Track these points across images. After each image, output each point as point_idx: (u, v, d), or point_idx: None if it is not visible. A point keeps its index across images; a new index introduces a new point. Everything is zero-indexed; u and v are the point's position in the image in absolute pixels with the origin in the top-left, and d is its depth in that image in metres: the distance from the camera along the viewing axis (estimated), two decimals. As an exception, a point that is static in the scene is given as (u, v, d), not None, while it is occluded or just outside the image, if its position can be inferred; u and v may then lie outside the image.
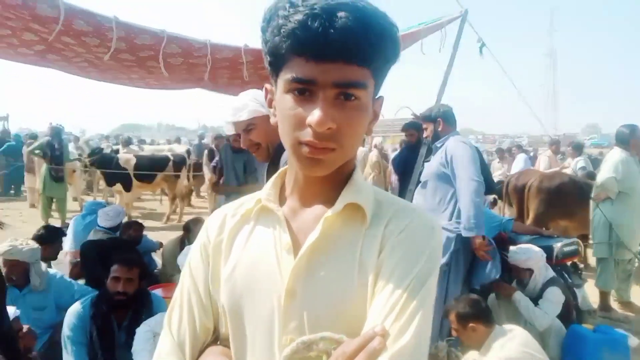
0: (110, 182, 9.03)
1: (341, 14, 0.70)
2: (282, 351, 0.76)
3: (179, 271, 4.30)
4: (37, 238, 3.80)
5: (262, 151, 2.23)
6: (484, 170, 3.80)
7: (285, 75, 0.76)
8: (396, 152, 7.77)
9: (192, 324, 0.89)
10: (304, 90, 0.75)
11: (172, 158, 9.35)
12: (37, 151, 8.76)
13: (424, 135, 3.93)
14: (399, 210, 0.84)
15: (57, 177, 8.45)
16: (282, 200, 0.90)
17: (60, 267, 4.56)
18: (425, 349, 0.74)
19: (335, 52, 0.71)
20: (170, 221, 9.16)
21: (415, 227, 0.81)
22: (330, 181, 0.85)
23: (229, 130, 2.28)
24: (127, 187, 8.93)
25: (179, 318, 0.90)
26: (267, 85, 0.88)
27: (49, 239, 3.97)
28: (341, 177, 0.86)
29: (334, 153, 0.77)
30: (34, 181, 9.68)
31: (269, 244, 0.85)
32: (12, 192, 12.16)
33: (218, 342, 0.91)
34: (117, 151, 11.18)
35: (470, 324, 2.81)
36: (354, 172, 0.88)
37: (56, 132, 8.96)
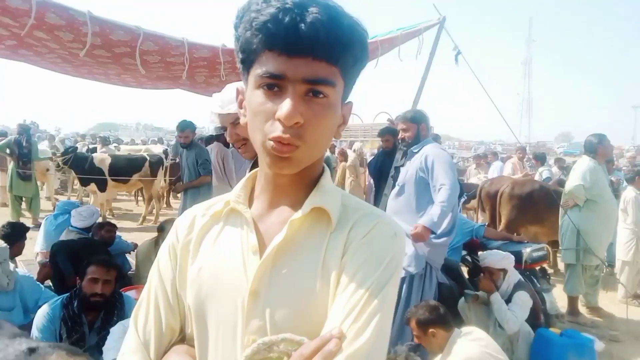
0: (84, 182, 8.91)
1: (313, 9, 0.72)
2: (243, 352, 0.78)
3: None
4: (2, 236, 3.74)
5: (249, 147, 2.20)
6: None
7: (256, 71, 0.77)
8: (372, 157, 7.87)
9: (158, 323, 0.90)
10: (273, 85, 0.76)
11: (148, 158, 9.26)
12: (6, 149, 8.59)
13: (406, 136, 3.88)
14: (364, 215, 0.86)
15: (24, 175, 8.32)
16: (251, 202, 0.92)
17: (31, 267, 4.48)
18: (382, 352, 0.76)
19: (305, 47, 0.73)
20: (147, 222, 9.06)
21: (378, 233, 0.83)
22: (298, 184, 0.87)
23: (213, 122, 2.24)
24: (102, 187, 8.83)
25: (145, 317, 0.91)
26: (239, 87, 0.90)
27: (14, 236, 3.89)
28: (309, 180, 0.88)
29: (299, 150, 0.77)
30: (4, 179, 9.46)
31: (236, 245, 0.87)
32: None
33: (184, 342, 0.92)
34: (94, 150, 11.01)
35: (430, 330, 2.87)
36: (322, 176, 0.90)
37: (24, 130, 8.83)
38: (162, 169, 9.43)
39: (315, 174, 0.89)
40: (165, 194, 10.57)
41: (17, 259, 4.29)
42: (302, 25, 0.71)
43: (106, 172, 8.75)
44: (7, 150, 8.58)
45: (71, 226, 4.73)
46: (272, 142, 0.77)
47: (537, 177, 8.66)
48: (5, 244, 3.33)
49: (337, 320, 0.75)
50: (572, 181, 4.98)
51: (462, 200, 6.75)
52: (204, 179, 5.53)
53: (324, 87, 0.76)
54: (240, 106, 0.89)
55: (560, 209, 5.18)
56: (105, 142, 12.19)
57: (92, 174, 8.64)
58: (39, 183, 9.54)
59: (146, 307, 0.92)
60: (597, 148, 4.97)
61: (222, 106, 2.09)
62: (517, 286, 3.74)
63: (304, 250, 0.83)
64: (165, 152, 10.54)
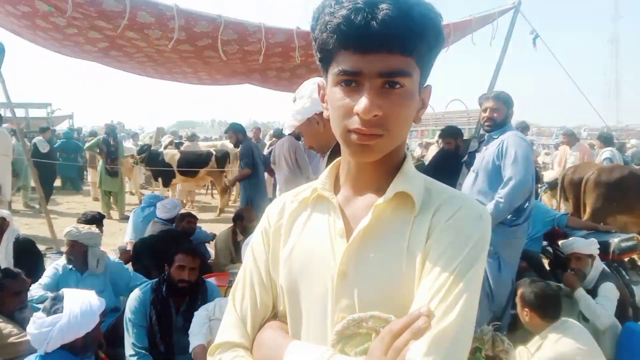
0: (155, 176, 9.55)
1: (383, 5, 0.74)
2: (334, 327, 0.84)
3: (232, 261, 4.45)
4: (85, 221, 4.11)
5: (319, 153, 2.34)
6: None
7: (333, 70, 0.82)
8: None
9: (253, 300, 0.98)
10: (350, 82, 0.80)
11: (214, 153, 9.60)
12: (95, 148, 9.30)
13: (494, 115, 3.64)
14: (448, 198, 0.87)
15: (112, 172, 8.91)
16: (336, 189, 0.96)
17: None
18: (469, 331, 0.78)
19: (378, 44, 0.76)
20: (224, 213, 9.45)
21: (463, 215, 0.84)
22: (381, 170, 0.90)
23: (290, 128, 2.33)
24: (167, 182, 9.45)
25: (242, 295, 1.00)
26: (320, 82, 0.94)
27: (91, 224, 4.20)
28: (392, 166, 0.91)
29: (381, 139, 0.81)
30: (95, 176, 10.22)
31: (324, 229, 0.92)
32: (69, 186, 12.54)
33: (277, 318, 0.99)
34: (180, 145, 11.60)
35: (526, 309, 2.83)
36: (405, 162, 0.92)
37: (110, 130, 9.50)
38: (229, 163, 9.75)
39: (397, 160, 0.92)
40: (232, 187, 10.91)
41: (108, 248, 4.64)
42: (374, 23, 0.74)
43: (175, 168, 9.25)
44: (97, 149, 9.29)
45: (157, 217, 5.05)
46: (353, 133, 0.81)
47: (597, 160, 8.09)
48: (98, 230, 3.63)
49: (424, 299, 0.77)
50: (667, 166, 4.61)
51: (543, 187, 6.45)
52: (243, 171, 6.22)
53: (400, 77, 0.79)
54: (323, 100, 0.93)
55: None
56: (191, 139, 12.85)
57: (163, 170, 9.23)
58: (125, 178, 10.21)
59: (242, 287, 1.00)
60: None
61: (295, 117, 2.20)
62: (603, 276, 3.54)
63: (389, 234, 0.86)
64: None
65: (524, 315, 2.86)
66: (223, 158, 9.61)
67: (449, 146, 5.69)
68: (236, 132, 6.49)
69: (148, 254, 4.20)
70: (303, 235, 0.94)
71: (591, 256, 3.58)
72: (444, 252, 0.80)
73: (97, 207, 9.22)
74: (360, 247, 0.86)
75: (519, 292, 2.91)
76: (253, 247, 1.02)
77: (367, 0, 0.75)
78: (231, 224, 4.98)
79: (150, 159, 9.29)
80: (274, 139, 9.50)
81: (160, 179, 9.51)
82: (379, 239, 0.86)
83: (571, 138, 9.49)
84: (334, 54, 0.81)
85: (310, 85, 2.15)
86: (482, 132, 4.22)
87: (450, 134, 5.78)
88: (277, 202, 1.04)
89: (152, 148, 9.90)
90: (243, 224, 4.71)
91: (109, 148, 9.00)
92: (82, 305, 2.12)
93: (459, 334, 0.75)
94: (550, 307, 2.82)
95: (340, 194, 0.95)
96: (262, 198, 6.24)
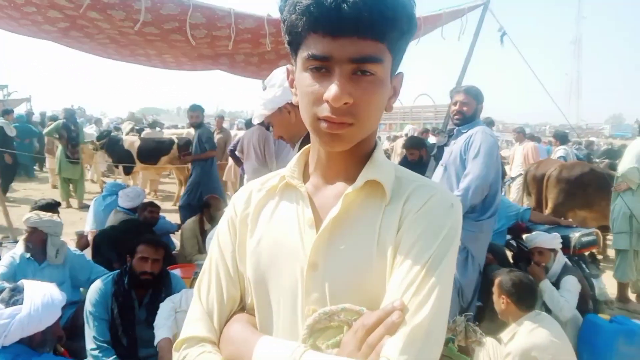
0: (116, 163, 9.23)
1: None
2: (305, 321, 0.81)
3: (199, 251, 4.35)
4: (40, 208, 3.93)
5: (289, 143, 2.31)
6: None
7: (303, 54, 0.78)
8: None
9: (219, 293, 0.94)
10: (320, 67, 0.77)
11: (176, 141, 9.33)
12: (54, 133, 8.89)
13: (464, 109, 3.64)
14: (419, 187, 0.86)
15: (72, 158, 8.56)
16: (305, 177, 0.94)
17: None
18: (443, 324, 0.77)
19: (349, 27, 0.72)
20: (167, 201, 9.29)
21: (434, 204, 0.82)
22: (351, 158, 0.87)
23: (259, 118, 2.30)
24: (127, 170, 9.12)
25: (208, 287, 0.95)
26: (289, 66, 0.91)
27: (44, 210, 4.05)
28: (362, 154, 0.88)
29: (351, 128, 0.78)
30: (53, 163, 9.82)
31: (292, 219, 0.89)
32: (23, 173, 11.76)
33: (245, 311, 0.95)
34: (141, 131, 11.27)
35: (504, 298, 2.90)
36: (375, 150, 0.90)
37: (69, 114, 9.04)
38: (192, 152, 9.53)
39: (368, 148, 0.90)
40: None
41: (67, 238, 4.47)
42: (345, 5, 0.71)
43: (134, 155, 8.95)
44: (56, 135, 8.84)
45: (119, 207, 4.89)
46: (322, 122, 0.78)
47: (552, 157, 8.37)
48: (59, 219, 3.48)
49: (396, 293, 0.76)
50: (626, 164, 4.76)
51: (506, 182, 6.58)
52: (210, 152, 6.37)
53: (371, 65, 0.76)
54: (292, 85, 0.90)
55: (612, 192, 4.97)
56: (152, 126, 12.48)
57: (122, 157, 8.92)
58: (86, 165, 9.88)
59: (208, 278, 0.96)
60: (653, 129, 4.72)
61: (265, 107, 2.15)
62: (565, 270, 3.64)
63: (359, 224, 0.84)
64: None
65: (500, 303, 2.92)
66: (185, 146, 9.36)
67: (413, 157, 5.68)
68: (202, 112, 6.55)
69: (109, 245, 4.06)
70: (271, 225, 0.91)
71: (554, 250, 3.67)
72: (415, 243, 0.79)
73: (56, 194, 8.91)
74: (330, 238, 0.84)
75: (497, 280, 2.97)
76: (219, 237, 0.98)
77: None
78: (196, 214, 4.89)
79: (111, 145, 8.98)
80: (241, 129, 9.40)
81: (120, 167, 9.19)
82: (349, 229, 0.84)
83: (519, 136, 9.82)
84: (303, 37, 0.77)
85: (281, 74, 2.09)
86: (450, 126, 4.25)
87: (414, 145, 5.79)
88: (244, 190, 1.00)
89: (112, 134, 9.59)
90: (210, 212, 4.62)
91: (70, 134, 8.63)
92: (43, 297, 2.03)
93: (433, 329, 0.74)
94: (527, 296, 2.89)
95: (310, 182, 0.92)
96: (212, 184, 6.28)
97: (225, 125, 14.17)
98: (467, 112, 3.66)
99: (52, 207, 4.24)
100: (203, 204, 4.85)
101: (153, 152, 9.04)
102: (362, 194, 0.85)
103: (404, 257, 0.78)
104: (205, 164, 6.32)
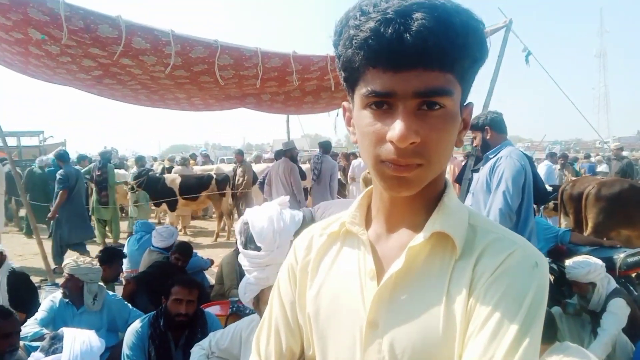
0: (157, 202, 9.34)
1: (417, 15, 0.64)
2: None
3: (237, 284, 4.29)
4: (98, 259, 3.96)
5: None
6: (535, 179, 3.65)
7: (361, 90, 0.70)
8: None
9: (278, 345, 0.91)
10: (381, 104, 0.69)
11: (214, 176, 9.51)
12: (86, 176, 9.05)
13: (473, 144, 3.77)
14: (496, 241, 0.75)
15: (101, 201, 8.65)
16: (368, 221, 0.86)
17: (118, 286, 4.72)
18: None
19: (414, 59, 0.65)
20: (220, 238, 9.35)
21: (514, 263, 0.71)
22: (418, 204, 0.79)
23: None
24: (172, 207, 9.25)
25: (267, 339, 0.92)
26: (345, 103, 0.84)
27: (108, 260, 4.10)
28: (430, 199, 0.79)
29: (420, 169, 0.70)
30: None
31: (353, 269, 0.82)
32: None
33: None
34: (170, 169, 11.47)
35: None
36: (445, 194, 0.80)
37: (102, 156, 9.16)
38: (229, 186, 9.65)
39: (436, 192, 0.80)
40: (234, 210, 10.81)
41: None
42: (407, 35, 0.63)
43: (177, 192, 9.12)
44: (88, 177, 8.93)
45: (152, 246, 4.93)
46: (387, 164, 0.70)
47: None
48: (98, 265, 3.52)
49: None
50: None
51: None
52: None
53: (439, 98, 0.68)
54: (349, 124, 0.82)
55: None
56: (183, 162, 12.71)
57: (164, 194, 9.06)
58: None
59: (267, 329, 0.93)
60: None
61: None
62: (613, 293, 3.46)
63: (425, 279, 0.75)
64: (235, 170, 10.85)
65: None
66: (223, 181, 9.53)
67: None
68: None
69: (145, 290, 4.07)
70: (331, 275, 0.85)
71: (592, 284, 3.48)
72: (494, 312, 0.67)
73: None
74: (392, 294, 0.76)
75: None
76: (279, 285, 0.94)
77: (398, 10, 0.64)
78: (227, 250, 4.86)
79: (151, 184, 9.13)
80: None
81: (166, 205, 9.28)
82: (413, 285, 0.75)
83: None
84: (361, 73, 0.70)
85: (263, 224, 1.77)
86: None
87: None
88: (305, 236, 0.95)
89: (150, 173, 9.78)
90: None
91: (97, 178, 8.71)
92: (82, 345, 2.04)
93: None
94: (549, 329, 2.73)
95: (372, 228, 0.84)
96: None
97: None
98: (477, 145, 3.67)
99: (113, 256, 4.28)
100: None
101: (194, 188, 9.21)
102: (428, 246, 0.76)
103: (480, 328, 0.67)
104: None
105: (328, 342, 0.83)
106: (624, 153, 12.83)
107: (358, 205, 0.88)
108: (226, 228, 9.71)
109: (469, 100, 0.77)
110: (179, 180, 9.30)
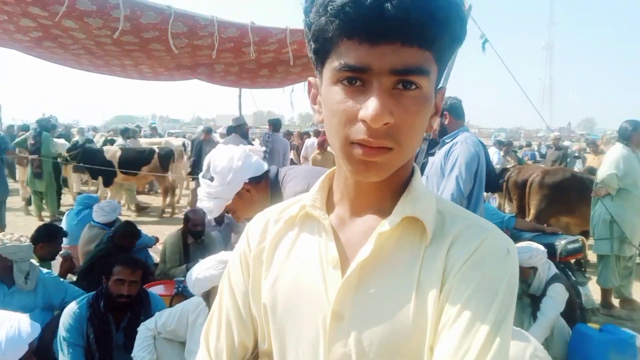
0: (94, 175, 8.92)
1: None
2: None
3: (180, 264, 4.15)
4: (33, 237, 3.69)
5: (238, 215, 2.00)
6: (488, 166, 3.72)
7: (333, 63, 0.65)
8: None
9: (230, 340, 0.84)
10: (354, 80, 0.64)
11: (157, 151, 9.13)
12: (24, 144, 8.53)
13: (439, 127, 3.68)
14: (467, 228, 0.72)
15: (34, 172, 8.19)
16: (329, 206, 0.80)
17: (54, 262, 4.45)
18: None
19: (393, 32, 0.59)
20: (165, 214, 9.10)
21: (487, 251, 0.68)
22: (386, 187, 0.74)
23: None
24: (109, 181, 8.84)
25: (217, 334, 0.85)
26: (311, 79, 0.77)
27: (45, 238, 3.83)
28: (398, 183, 0.75)
29: (391, 153, 0.65)
30: (24, 174, 9.47)
31: (313, 257, 0.76)
32: None
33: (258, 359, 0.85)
34: (112, 142, 10.99)
35: None
36: (413, 178, 0.77)
37: (39, 124, 8.66)
38: (173, 162, 9.31)
39: (404, 176, 0.76)
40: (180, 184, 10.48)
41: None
42: (388, 5, 0.58)
43: (116, 166, 8.69)
44: (26, 146, 8.47)
45: (93, 221, 4.69)
46: (356, 146, 0.65)
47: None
48: (28, 242, 3.26)
49: None
50: (605, 170, 4.78)
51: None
52: None
53: (417, 77, 0.63)
54: (314, 102, 0.76)
55: (592, 198, 4.99)
56: (125, 134, 12.14)
57: (102, 168, 8.63)
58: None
59: (217, 323, 0.86)
60: (632, 135, 4.75)
61: (223, 198, 1.85)
62: (553, 279, 3.59)
63: (394, 268, 0.71)
64: (184, 145, 10.50)
65: None
66: (166, 156, 9.15)
67: None
68: None
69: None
70: (288, 263, 0.79)
71: (533, 268, 3.59)
72: (468, 303, 0.65)
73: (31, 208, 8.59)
74: (359, 283, 0.71)
75: None
76: (230, 274, 0.87)
77: None
78: (177, 226, 4.70)
79: (89, 156, 8.65)
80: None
81: (101, 178, 8.83)
82: (382, 274, 0.71)
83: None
84: (334, 44, 0.64)
85: (223, 160, 1.81)
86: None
87: None
88: (259, 220, 0.88)
89: (87, 145, 9.29)
90: (189, 226, 4.43)
91: (30, 147, 8.23)
92: (9, 330, 1.86)
93: None
94: None
95: (334, 213, 0.79)
96: None
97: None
98: (446, 126, 3.62)
99: (52, 234, 3.97)
100: (184, 218, 4.65)
101: (134, 162, 8.79)
102: (397, 232, 0.72)
103: (454, 319, 0.64)
104: None
105: (286, 336, 0.77)
106: (566, 143, 13.52)
107: (319, 188, 0.82)
108: (170, 203, 9.45)
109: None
110: (119, 154, 8.88)
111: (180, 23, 3.39)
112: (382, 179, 0.69)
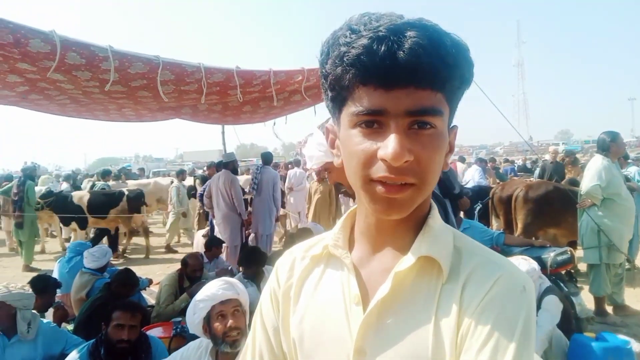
0: (66, 222, 8.94)
1: (410, 33, 0.63)
2: None
3: (174, 309, 4.10)
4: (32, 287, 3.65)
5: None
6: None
7: (350, 109, 0.69)
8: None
9: None
10: (371, 123, 0.67)
11: (126, 193, 9.08)
12: (4, 194, 8.60)
13: None
14: (482, 265, 0.73)
15: (16, 222, 8.15)
16: (351, 243, 0.84)
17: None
18: None
19: (406, 77, 0.64)
20: (157, 254, 9.06)
21: (503, 289, 0.69)
22: (404, 225, 0.76)
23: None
24: (82, 225, 8.86)
25: None
26: (329, 125, 0.81)
27: (40, 290, 3.78)
28: (416, 220, 0.77)
29: (412, 190, 0.68)
30: (9, 224, 9.36)
31: (337, 294, 0.80)
32: None
33: None
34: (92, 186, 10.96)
35: None
36: (429, 216, 0.78)
37: (23, 172, 8.69)
38: (144, 204, 9.30)
39: (422, 214, 0.78)
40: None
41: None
42: (401, 52, 0.62)
43: (85, 210, 8.69)
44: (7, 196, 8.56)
45: (84, 267, 4.64)
46: (378, 184, 0.68)
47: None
48: (31, 291, 3.24)
49: None
50: (588, 181, 4.90)
51: (478, 208, 6.68)
52: None
53: (431, 117, 0.67)
54: (333, 146, 0.81)
55: (578, 209, 5.11)
56: (116, 177, 12.12)
57: (74, 213, 8.64)
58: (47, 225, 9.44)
59: (251, 356, 0.90)
60: (610, 146, 4.90)
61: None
62: (546, 292, 3.64)
63: (412, 305, 0.73)
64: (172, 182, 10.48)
65: None
66: (136, 198, 9.08)
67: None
68: None
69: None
70: (314, 300, 0.82)
71: None
72: (486, 344, 0.65)
73: (16, 259, 8.46)
74: (379, 320, 0.74)
75: None
76: (262, 310, 0.90)
77: (390, 28, 0.64)
78: (166, 264, 4.65)
79: (60, 203, 8.72)
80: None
81: (75, 223, 8.84)
82: (401, 311, 0.73)
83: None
84: (350, 91, 0.68)
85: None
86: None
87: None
88: (287, 257, 0.91)
89: (60, 193, 9.31)
90: (187, 271, 4.39)
91: (13, 197, 8.19)
92: None
93: None
94: None
95: (355, 251, 0.82)
96: None
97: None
98: None
99: (48, 285, 3.96)
100: (182, 261, 4.61)
101: (103, 205, 8.79)
102: (414, 271, 0.74)
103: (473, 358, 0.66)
104: None
105: None
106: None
107: (341, 226, 0.86)
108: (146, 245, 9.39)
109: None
110: (87, 197, 8.89)
111: (168, 71, 3.45)
112: (404, 216, 0.72)
